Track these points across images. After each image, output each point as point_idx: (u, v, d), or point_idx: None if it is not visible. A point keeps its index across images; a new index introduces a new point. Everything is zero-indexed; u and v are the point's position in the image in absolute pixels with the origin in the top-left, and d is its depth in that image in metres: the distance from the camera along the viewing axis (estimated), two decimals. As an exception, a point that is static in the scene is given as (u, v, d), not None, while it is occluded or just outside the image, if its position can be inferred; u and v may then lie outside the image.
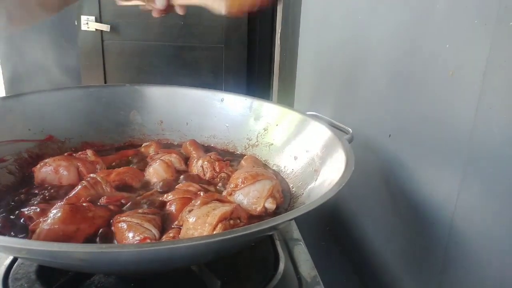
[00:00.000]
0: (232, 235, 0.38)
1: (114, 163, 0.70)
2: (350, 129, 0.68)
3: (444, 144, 0.55)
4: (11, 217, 0.55)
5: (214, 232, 0.48)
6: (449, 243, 0.54)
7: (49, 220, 0.49)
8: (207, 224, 0.49)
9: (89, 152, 0.66)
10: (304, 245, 0.64)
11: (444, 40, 0.54)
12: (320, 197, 0.43)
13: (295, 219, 0.69)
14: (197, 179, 0.70)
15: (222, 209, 0.51)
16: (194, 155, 0.74)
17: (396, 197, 0.68)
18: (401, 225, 0.67)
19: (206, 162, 0.71)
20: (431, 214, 0.58)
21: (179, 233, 0.52)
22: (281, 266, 0.58)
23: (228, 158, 0.76)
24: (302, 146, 0.70)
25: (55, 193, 0.60)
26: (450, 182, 0.53)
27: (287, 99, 1.43)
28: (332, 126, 0.67)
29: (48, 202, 0.57)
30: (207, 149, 0.80)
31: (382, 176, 0.72)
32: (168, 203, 0.59)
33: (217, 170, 0.70)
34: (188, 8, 0.66)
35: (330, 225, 0.93)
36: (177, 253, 0.36)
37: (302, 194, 0.61)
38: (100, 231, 0.52)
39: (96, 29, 2.01)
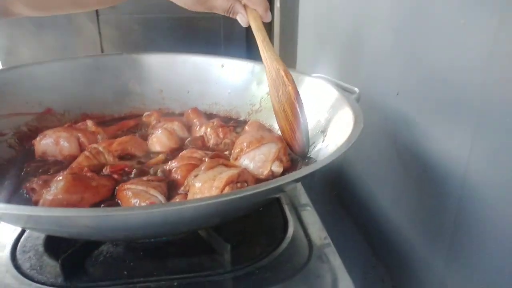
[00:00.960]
0: (241, 195, 0.37)
1: (116, 134, 0.68)
2: (356, 89, 0.65)
3: (455, 98, 0.53)
4: (14, 190, 0.54)
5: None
6: (461, 201, 0.53)
7: (52, 190, 0.48)
8: (214, 188, 0.48)
9: (89, 123, 0.65)
10: (313, 209, 0.63)
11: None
12: (330, 154, 0.42)
13: (303, 182, 0.68)
14: (200, 145, 0.69)
15: (228, 173, 0.50)
16: (196, 123, 0.73)
17: (405, 157, 0.66)
18: (410, 185, 0.66)
19: (209, 129, 0.69)
20: (441, 172, 0.56)
21: (185, 199, 0.51)
22: (290, 229, 0.57)
23: (232, 124, 0.74)
24: (308, 109, 0.68)
25: (57, 165, 0.59)
26: (462, 137, 0.51)
27: (288, 63, 1.39)
28: (338, 87, 0.65)
29: (50, 174, 0.56)
30: (209, 116, 0.79)
31: (389, 135, 0.70)
32: (172, 170, 0.58)
33: (221, 136, 0.69)
34: None
35: (337, 189, 0.92)
36: (186, 214, 0.35)
37: (310, 156, 0.60)
38: (103, 201, 0.51)
39: (90, 3, 1.96)
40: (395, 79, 0.68)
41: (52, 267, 0.51)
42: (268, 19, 0.60)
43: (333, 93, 0.64)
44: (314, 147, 0.60)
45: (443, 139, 0.57)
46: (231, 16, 0.61)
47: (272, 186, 0.36)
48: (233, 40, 2.06)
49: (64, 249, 0.53)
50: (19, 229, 0.56)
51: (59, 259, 0.49)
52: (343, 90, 0.64)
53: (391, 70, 0.69)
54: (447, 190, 0.55)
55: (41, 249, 0.53)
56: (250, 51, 2.06)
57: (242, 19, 0.61)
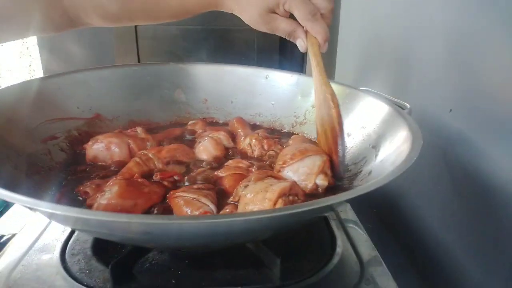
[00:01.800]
0: (294, 211, 0.36)
1: (162, 142, 0.69)
2: (407, 104, 0.64)
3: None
4: (68, 192, 0.55)
5: (275, 208, 0.46)
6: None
7: (106, 195, 0.48)
8: (266, 200, 0.47)
9: (139, 129, 0.66)
10: (361, 226, 0.61)
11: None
12: (389, 173, 0.40)
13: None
14: (245, 156, 0.68)
15: (281, 185, 0.49)
16: (241, 133, 0.73)
17: (457, 176, 0.64)
18: (462, 206, 0.63)
19: (254, 140, 0.69)
20: (499, 194, 0.54)
21: (235, 209, 0.51)
22: (339, 246, 0.56)
23: (276, 135, 0.73)
24: (356, 123, 0.66)
25: (105, 169, 0.60)
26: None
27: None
28: (388, 101, 0.64)
29: (102, 178, 0.57)
30: (253, 127, 0.78)
31: (440, 153, 0.68)
32: (219, 179, 0.58)
33: (266, 148, 0.68)
34: None
35: (378, 206, 0.89)
36: (250, 225, 0.34)
37: (361, 171, 0.58)
38: (155, 207, 0.51)
39: (130, 13, 2.02)
40: (449, 95, 0.66)
41: (100, 271, 0.51)
42: (325, 49, 0.61)
43: (384, 108, 0.62)
44: (365, 161, 0.59)
45: (501, 159, 0.54)
46: (291, 40, 0.62)
47: (338, 200, 0.35)
48: (266, 52, 2.07)
49: (111, 253, 0.53)
50: (67, 231, 0.57)
51: (109, 264, 0.49)
52: (394, 104, 0.62)
53: (444, 86, 0.67)
54: (507, 214, 0.52)
55: (89, 252, 0.54)
56: (282, 64, 2.07)
57: (301, 44, 0.61)
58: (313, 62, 0.62)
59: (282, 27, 0.60)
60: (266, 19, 0.59)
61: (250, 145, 0.69)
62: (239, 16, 0.63)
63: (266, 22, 0.60)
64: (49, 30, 0.65)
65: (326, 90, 0.60)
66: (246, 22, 0.62)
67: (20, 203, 0.37)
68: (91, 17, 0.65)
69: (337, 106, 0.59)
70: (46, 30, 0.65)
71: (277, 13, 0.60)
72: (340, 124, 0.58)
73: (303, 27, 0.60)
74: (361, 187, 0.39)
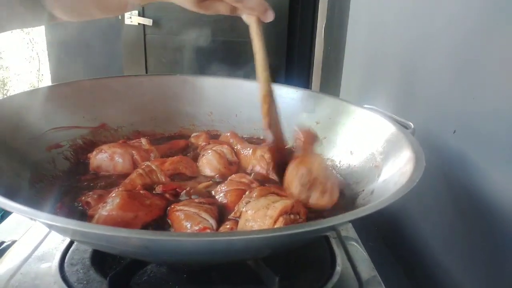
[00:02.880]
0: (294, 231, 0.35)
1: (166, 154, 0.69)
2: (411, 124, 0.64)
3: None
4: (69, 202, 0.55)
5: (275, 226, 0.46)
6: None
7: (108, 206, 0.48)
8: (267, 217, 0.47)
9: (143, 140, 0.66)
10: (362, 245, 0.60)
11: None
12: (396, 191, 0.40)
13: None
14: (248, 170, 0.68)
15: (283, 202, 0.49)
16: (239, 148, 0.72)
17: (459, 198, 0.63)
18: (464, 228, 0.62)
19: (259, 156, 0.69)
20: (503, 218, 0.53)
21: (236, 225, 0.51)
22: (339, 265, 0.55)
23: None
24: (359, 141, 0.66)
25: (110, 179, 0.60)
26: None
27: (331, 91, 1.39)
28: (392, 120, 0.64)
29: (105, 188, 0.57)
30: (257, 141, 0.78)
31: (442, 174, 0.67)
32: (222, 194, 0.58)
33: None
34: None
35: (380, 225, 0.89)
36: (249, 244, 0.34)
37: (363, 191, 0.58)
38: (155, 220, 0.51)
39: (139, 23, 2.04)
40: (453, 116, 0.65)
41: (98, 282, 0.50)
42: (268, 18, 0.58)
43: (389, 127, 0.62)
44: (368, 180, 0.59)
45: (505, 182, 0.54)
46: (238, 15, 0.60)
47: (340, 221, 0.35)
48: (272, 66, 2.09)
49: (110, 264, 0.53)
50: (67, 241, 0.57)
51: (108, 276, 0.49)
52: (398, 123, 0.63)
53: (449, 107, 0.67)
54: (508, 235, 0.52)
55: (88, 263, 0.54)
56: (288, 78, 2.08)
57: (245, 20, 0.59)
58: (255, 46, 0.59)
59: (221, 10, 0.59)
60: (204, 5, 0.58)
61: (255, 160, 0.69)
62: (178, 4, 0.59)
63: (205, 8, 0.58)
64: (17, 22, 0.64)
65: (261, 87, 0.59)
66: (188, 8, 0.59)
67: (19, 212, 0.37)
68: (57, 12, 0.62)
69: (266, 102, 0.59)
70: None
71: None
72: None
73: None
74: (364, 208, 0.38)
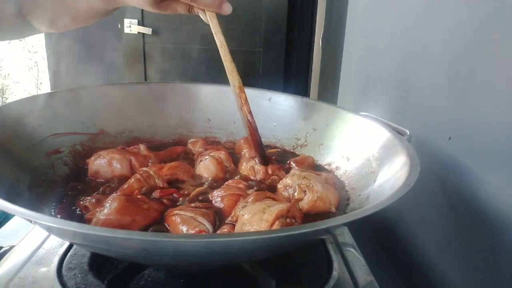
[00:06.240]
0: (290, 233, 0.36)
1: (164, 160, 0.69)
2: (407, 131, 0.64)
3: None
4: (68, 206, 0.56)
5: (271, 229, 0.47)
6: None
7: (105, 210, 0.49)
8: (263, 221, 0.48)
9: (141, 147, 0.67)
10: (358, 250, 0.61)
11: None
12: (391, 195, 0.41)
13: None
14: (244, 177, 0.68)
15: (279, 206, 0.49)
16: (246, 154, 0.73)
17: (455, 204, 0.64)
18: (459, 234, 0.63)
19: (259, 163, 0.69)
20: (498, 223, 0.54)
21: (233, 229, 0.51)
22: (335, 270, 0.55)
23: (275, 158, 0.74)
24: (356, 147, 0.67)
25: (109, 185, 0.61)
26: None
27: (329, 99, 1.41)
28: (388, 127, 0.65)
29: (103, 193, 0.57)
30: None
31: (438, 180, 0.68)
32: (218, 199, 0.58)
33: (270, 172, 0.68)
34: None
35: (377, 231, 0.89)
36: (245, 246, 0.35)
37: (359, 195, 0.59)
38: (152, 224, 0.52)
39: (138, 32, 2.06)
40: (448, 123, 0.66)
41: (96, 286, 0.51)
42: (226, 11, 0.59)
43: (384, 133, 0.63)
44: (364, 186, 0.59)
45: (500, 188, 0.54)
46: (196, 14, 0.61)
47: (335, 223, 0.35)
48: (271, 74, 2.11)
49: (108, 269, 0.54)
50: (66, 245, 0.57)
51: (105, 280, 0.49)
52: (394, 130, 0.63)
53: (444, 114, 0.68)
54: (505, 243, 0.52)
55: (86, 267, 0.54)
56: (287, 86, 2.10)
57: (203, 17, 0.61)
58: (217, 41, 0.61)
59: (179, 10, 0.60)
60: (162, 6, 0.59)
61: (254, 168, 0.69)
62: (136, 6, 0.61)
63: (164, 8, 0.60)
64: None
65: (234, 82, 0.63)
66: (146, 9, 0.60)
67: (20, 215, 0.37)
68: (36, 24, 0.64)
69: (246, 102, 0.64)
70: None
71: None
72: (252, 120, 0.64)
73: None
74: (358, 211, 0.39)
